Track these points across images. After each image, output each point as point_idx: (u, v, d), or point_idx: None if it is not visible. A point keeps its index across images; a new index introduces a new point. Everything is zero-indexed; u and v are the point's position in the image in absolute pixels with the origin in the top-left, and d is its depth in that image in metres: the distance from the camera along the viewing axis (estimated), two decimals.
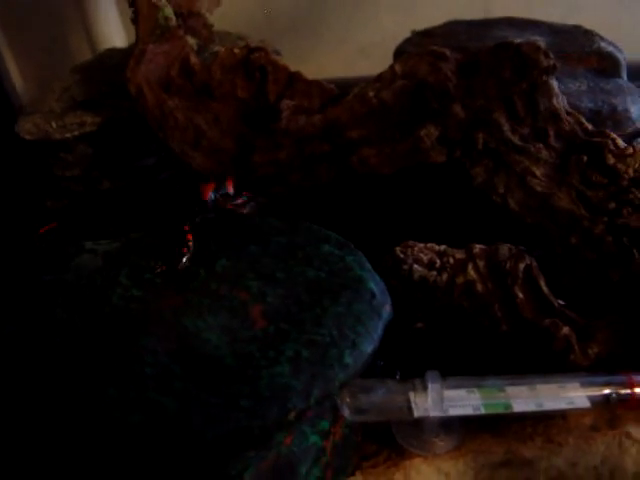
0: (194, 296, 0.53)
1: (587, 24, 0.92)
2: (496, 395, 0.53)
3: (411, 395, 0.53)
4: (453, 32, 0.82)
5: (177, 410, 0.45)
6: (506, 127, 0.63)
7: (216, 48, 0.82)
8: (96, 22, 1.12)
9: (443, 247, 0.58)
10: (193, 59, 0.73)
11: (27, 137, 0.80)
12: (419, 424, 0.54)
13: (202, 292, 0.53)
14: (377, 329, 0.50)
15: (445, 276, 0.57)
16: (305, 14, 1.18)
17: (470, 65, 0.65)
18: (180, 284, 0.54)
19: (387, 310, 0.52)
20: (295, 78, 0.69)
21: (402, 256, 0.57)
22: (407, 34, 1.08)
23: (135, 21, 0.76)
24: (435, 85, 0.64)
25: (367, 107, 0.65)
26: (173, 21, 0.74)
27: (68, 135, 0.78)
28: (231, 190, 0.65)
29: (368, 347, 0.49)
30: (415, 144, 0.64)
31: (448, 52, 0.65)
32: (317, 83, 0.69)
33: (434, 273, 0.57)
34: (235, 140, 0.68)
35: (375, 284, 0.53)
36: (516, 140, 0.63)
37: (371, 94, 0.65)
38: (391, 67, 0.65)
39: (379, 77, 0.65)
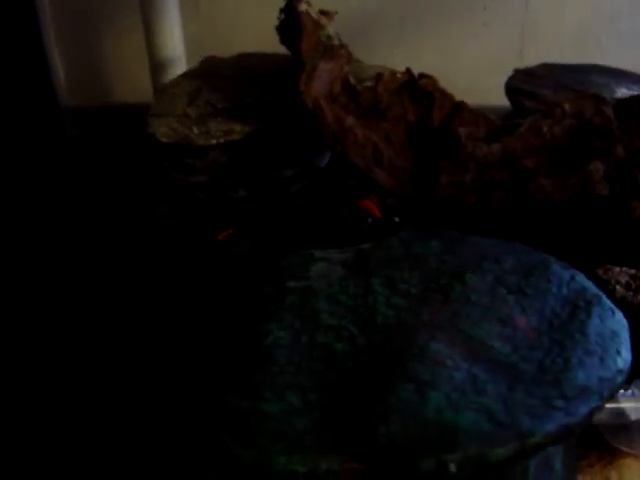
0: (460, 306, 0.57)
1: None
2: None
3: (628, 400, 0.60)
4: (555, 74, 0.90)
5: (503, 411, 0.49)
6: None
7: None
8: (155, 31, 1.11)
9: (634, 271, 0.66)
10: (352, 79, 0.77)
11: (163, 140, 0.80)
12: (630, 426, 0.61)
13: (466, 303, 0.58)
14: (628, 340, 0.57)
15: (639, 297, 0.65)
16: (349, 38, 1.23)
17: (623, 110, 0.74)
18: (438, 295, 0.58)
19: (626, 323, 0.59)
20: (460, 107, 0.75)
21: (605, 277, 0.64)
22: (445, 67, 1.16)
23: (292, 35, 0.79)
24: (600, 126, 0.72)
25: (541, 140, 0.72)
26: (335, 40, 0.77)
27: (213, 141, 0.79)
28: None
29: (629, 355, 0.56)
30: (584, 177, 0.71)
31: (608, 97, 0.73)
32: (482, 113, 0.75)
33: (630, 293, 0.65)
34: (411, 160, 0.73)
35: (610, 301, 0.60)
36: None
37: (545, 129, 0.72)
38: (561, 106, 0.72)
39: (550, 113, 0.73)
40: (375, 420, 0.49)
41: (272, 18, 1.18)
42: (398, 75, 0.76)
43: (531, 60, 1.19)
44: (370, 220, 0.68)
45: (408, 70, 0.77)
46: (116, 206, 0.91)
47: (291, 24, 0.78)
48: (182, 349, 0.58)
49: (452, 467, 0.47)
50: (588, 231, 0.73)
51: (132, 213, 0.88)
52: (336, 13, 0.84)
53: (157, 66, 1.12)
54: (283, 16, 0.81)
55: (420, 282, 0.60)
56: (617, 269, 0.65)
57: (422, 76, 0.76)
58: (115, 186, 0.97)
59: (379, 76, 0.77)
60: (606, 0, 1.19)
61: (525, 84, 0.88)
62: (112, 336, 0.67)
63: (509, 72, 1.01)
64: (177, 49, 1.11)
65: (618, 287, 0.64)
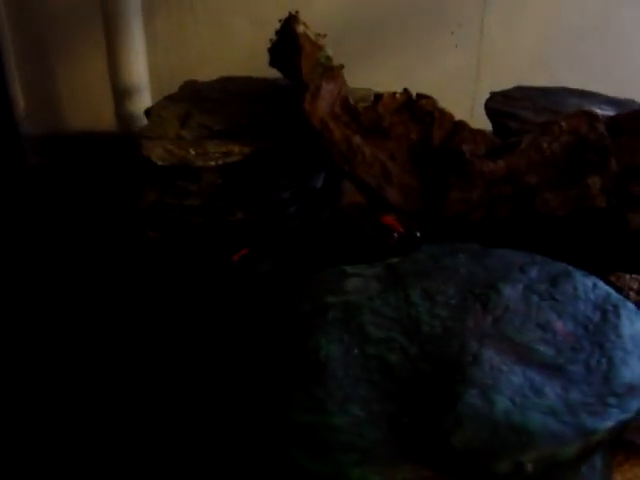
0: (500, 314, 0.59)
1: None
2: None
3: None
4: (531, 96, 0.94)
5: (566, 411, 0.51)
6: None
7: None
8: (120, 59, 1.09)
9: None
10: (351, 99, 0.78)
11: (159, 162, 0.78)
12: None
13: (504, 310, 0.59)
14: None
15: None
16: None
17: (613, 127, 0.78)
18: (477, 305, 0.59)
19: None
20: (460, 126, 0.77)
21: (618, 284, 0.67)
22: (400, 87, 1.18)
23: (290, 57, 0.79)
24: (595, 142, 0.76)
25: (542, 156, 0.75)
26: (333, 61, 0.78)
27: (212, 163, 0.78)
28: None
29: None
30: (583, 191, 0.74)
31: (600, 114, 0.77)
32: (481, 131, 0.77)
33: None
34: (418, 177, 0.74)
35: (630, 304, 0.62)
36: None
37: (545, 145, 0.75)
38: (558, 123, 0.76)
39: (547, 130, 0.76)
40: (448, 427, 0.49)
41: (233, 47, 1.19)
42: (397, 95, 0.78)
43: (487, 82, 1.23)
44: (396, 235, 0.68)
45: (406, 90, 0.78)
46: (100, 234, 0.88)
47: (288, 45, 0.78)
48: (227, 368, 0.56)
49: (529, 467, 0.47)
50: (589, 242, 0.76)
51: (120, 240, 0.85)
52: (326, 35, 0.85)
53: (121, 93, 1.10)
54: (277, 38, 0.81)
55: (456, 293, 0.61)
56: (628, 276, 0.68)
57: (421, 96, 0.77)
58: (93, 214, 0.93)
59: (378, 96, 0.78)
60: (558, 26, 1.25)
61: (505, 106, 0.91)
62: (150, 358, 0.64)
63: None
64: (142, 76, 1.09)
65: (631, 293, 0.67)
